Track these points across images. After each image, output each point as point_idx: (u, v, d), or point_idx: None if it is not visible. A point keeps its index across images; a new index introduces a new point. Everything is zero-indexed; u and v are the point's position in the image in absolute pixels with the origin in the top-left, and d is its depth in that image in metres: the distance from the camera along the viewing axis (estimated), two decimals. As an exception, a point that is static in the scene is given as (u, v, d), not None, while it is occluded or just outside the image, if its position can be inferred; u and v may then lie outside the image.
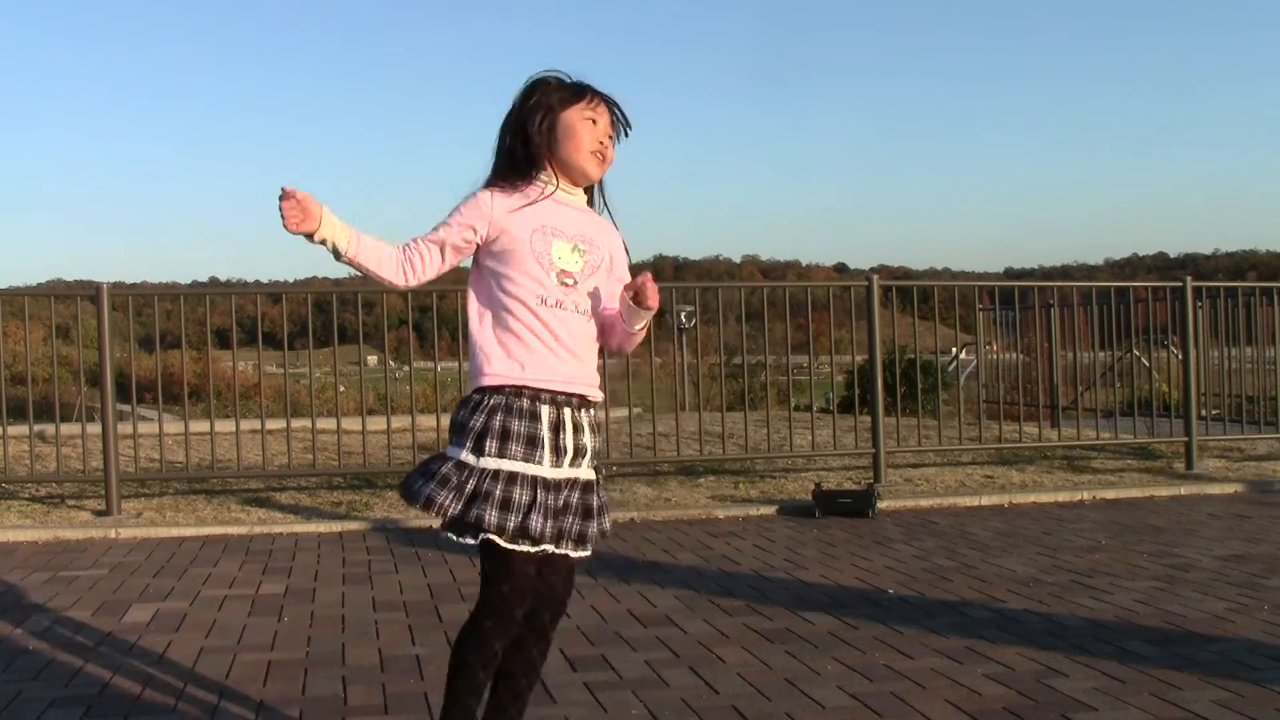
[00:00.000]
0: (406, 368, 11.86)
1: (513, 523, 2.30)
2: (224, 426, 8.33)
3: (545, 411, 2.37)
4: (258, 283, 12.84)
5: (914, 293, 9.85)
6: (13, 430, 7.44)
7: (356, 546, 5.73)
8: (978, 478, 7.63)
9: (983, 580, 4.78)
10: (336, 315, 7.48)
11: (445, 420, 8.37)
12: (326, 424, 8.12)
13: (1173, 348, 10.19)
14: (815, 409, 9.20)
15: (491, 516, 2.28)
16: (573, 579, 2.53)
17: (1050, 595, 4.49)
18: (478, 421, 2.34)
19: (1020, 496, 6.97)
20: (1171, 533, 5.85)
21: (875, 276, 7.60)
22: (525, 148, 2.46)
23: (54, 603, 4.57)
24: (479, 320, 2.43)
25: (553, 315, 2.40)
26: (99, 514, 6.53)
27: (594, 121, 2.46)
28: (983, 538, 5.77)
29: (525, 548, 2.33)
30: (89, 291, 6.88)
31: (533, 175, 2.47)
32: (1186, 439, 8.04)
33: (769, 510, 6.59)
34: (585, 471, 2.44)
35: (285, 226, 2.27)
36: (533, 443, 2.34)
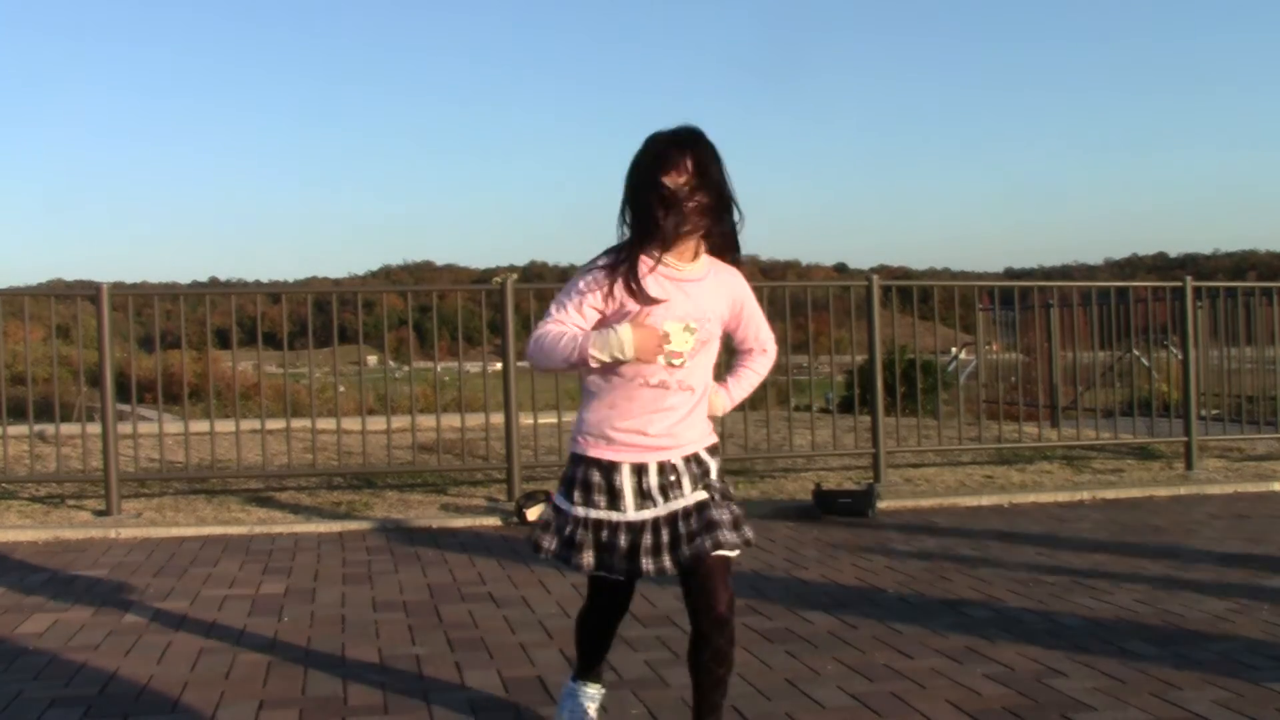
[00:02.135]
0: (406, 368, 11.87)
1: (603, 561, 2.55)
2: (224, 426, 8.33)
3: (626, 467, 2.56)
4: (258, 283, 12.83)
5: (914, 293, 9.84)
6: (13, 430, 7.44)
7: (356, 546, 5.74)
8: (978, 478, 7.63)
9: (983, 580, 4.78)
10: (336, 315, 7.48)
11: (445, 420, 8.40)
12: (326, 424, 8.12)
13: (1173, 348, 10.19)
14: (815, 409, 9.20)
15: (587, 559, 2.55)
16: (715, 586, 2.57)
17: (1050, 595, 4.49)
18: (567, 471, 2.64)
19: (1020, 496, 6.97)
20: (1171, 533, 5.85)
21: (875, 276, 7.60)
22: (635, 227, 2.53)
23: (54, 603, 4.57)
24: (590, 385, 2.61)
25: (652, 395, 2.55)
26: (99, 514, 6.53)
27: (668, 189, 2.46)
28: (983, 538, 5.77)
29: (605, 574, 2.60)
30: (89, 291, 6.88)
31: (645, 251, 2.52)
32: (1186, 439, 8.04)
33: (769, 510, 6.58)
34: (691, 497, 2.56)
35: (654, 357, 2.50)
36: (613, 492, 2.56)
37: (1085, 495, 7.03)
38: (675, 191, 2.46)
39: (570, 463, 2.63)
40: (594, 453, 2.57)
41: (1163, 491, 7.17)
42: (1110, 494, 7.08)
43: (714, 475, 2.62)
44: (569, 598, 4.53)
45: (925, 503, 6.81)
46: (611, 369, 2.55)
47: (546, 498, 6.38)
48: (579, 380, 2.70)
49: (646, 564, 2.52)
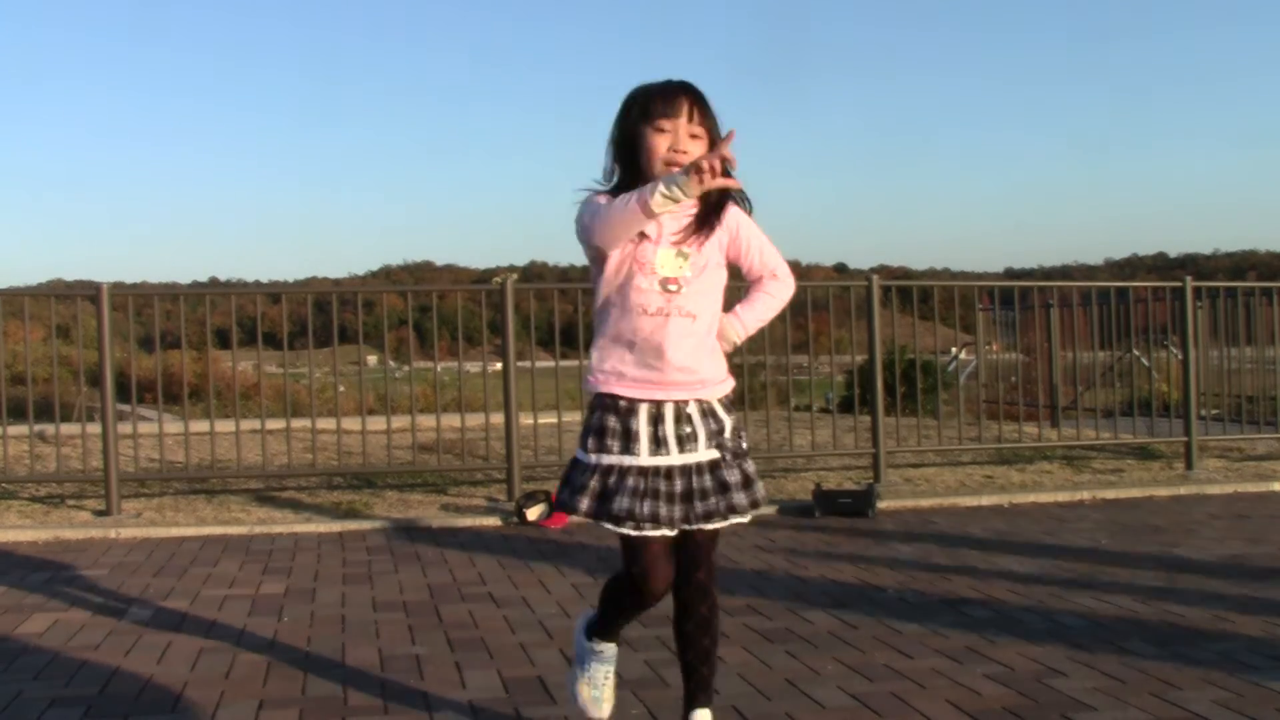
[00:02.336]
0: (406, 368, 11.88)
1: (602, 508, 2.48)
2: (224, 426, 8.33)
3: (644, 409, 2.52)
4: (258, 283, 12.83)
5: (914, 293, 9.84)
6: (13, 430, 7.44)
7: (356, 546, 5.74)
8: (978, 478, 7.64)
9: (983, 580, 4.78)
10: (336, 315, 7.49)
11: (445, 420, 8.40)
12: (326, 424, 8.12)
13: (1173, 348, 10.19)
14: (815, 409, 9.20)
15: (584, 505, 2.50)
16: (699, 555, 2.61)
17: (1050, 595, 4.49)
18: (585, 423, 2.59)
19: (1020, 496, 6.97)
20: (1171, 533, 5.85)
21: (875, 276, 7.60)
22: (622, 168, 2.54)
23: (54, 603, 4.57)
24: (595, 326, 2.61)
25: (654, 323, 2.51)
26: (99, 514, 6.53)
27: (664, 130, 2.47)
28: (983, 538, 5.77)
29: (629, 530, 2.48)
30: (89, 291, 6.88)
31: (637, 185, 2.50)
32: (1186, 439, 8.04)
33: (769, 510, 6.58)
34: (704, 454, 2.54)
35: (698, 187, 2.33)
36: (628, 435, 2.51)
37: (1085, 495, 7.03)
38: (674, 133, 2.47)
39: (587, 411, 2.59)
40: (607, 388, 2.52)
41: (1163, 491, 7.18)
42: (1110, 494, 7.08)
43: (729, 434, 2.58)
44: (569, 598, 4.53)
45: (925, 503, 6.81)
46: (614, 298, 2.53)
47: (546, 498, 6.38)
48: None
49: (664, 511, 2.47)
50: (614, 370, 2.53)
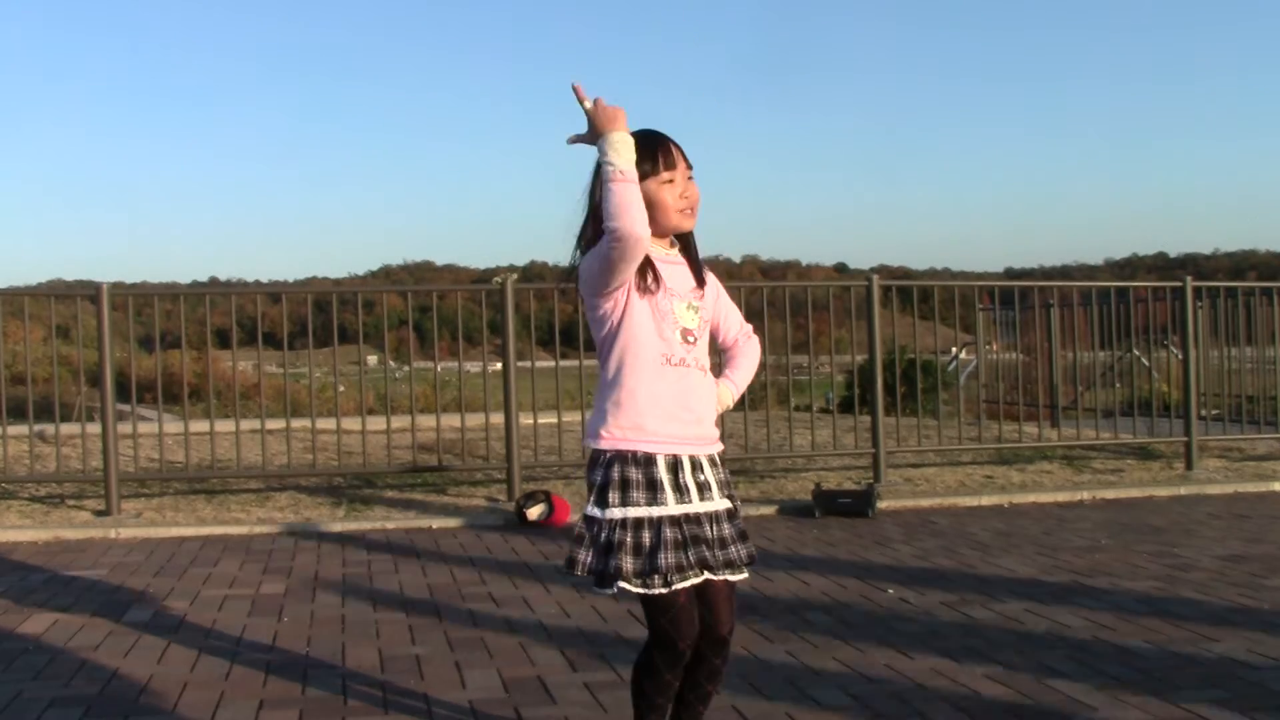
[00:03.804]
0: (406, 368, 11.88)
1: (645, 565, 2.39)
2: (224, 426, 8.33)
3: (661, 459, 2.46)
4: (258, 283, 12.82)
5: (914, 293, 9.84)
6: (13, 430, 7.44)
7: (356, 546, 5.74)
8: (978, 478, 7.64)
9: (983, 580, 4.78)
10: (336, 315, 7.48)
11: (445, 420, 8.40)
12: (326, 424, 8.12)
13: (1173, 348, 10.19)
14: (815, 409, 9.20)
15: (627, 564, 2.38)
16: (721, 606, 2.55)
17: (1050, 595, 4.49)
18: (598, 476, 2.46)
19: (1020, 496, 6.98)
20: (1171, 533, 5.85)
21: (875, 276, 7.60)
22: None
23: (54, 603, 4.57)
24: (610, 372, 2.50)
25: (677, 374, 2.49)
26: (99, 514, 6.53)
27: (672, 181, 2.47)
28: (983, 538, 5.77)
29: (658, 590, 2.39)
30: (89, 291, 6.88)
31: None
32: (1186, 439, 8.04)
33: (769, 510, 6.59)
34: (719, 502, 2.52)
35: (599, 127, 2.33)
36: (653, 486, 2.44)
37: (1085, 495, 7.03)
38: (677, 181, 2.48)
39: (597, 467, 2.47)
40: (627, 446, 2.44)
41: (1163, 491, 7.18)
42: (1110, 494, 7.08)
43: (730, 487, 2.58)
44: (569, 598, 4.53)
45: (925, 503, 6.81)
46: (633, 349, 2.47)
47: (546, 497, 6.38)
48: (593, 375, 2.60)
49: (708, 554, 2.42)
50: (633, 425, 2.44)
